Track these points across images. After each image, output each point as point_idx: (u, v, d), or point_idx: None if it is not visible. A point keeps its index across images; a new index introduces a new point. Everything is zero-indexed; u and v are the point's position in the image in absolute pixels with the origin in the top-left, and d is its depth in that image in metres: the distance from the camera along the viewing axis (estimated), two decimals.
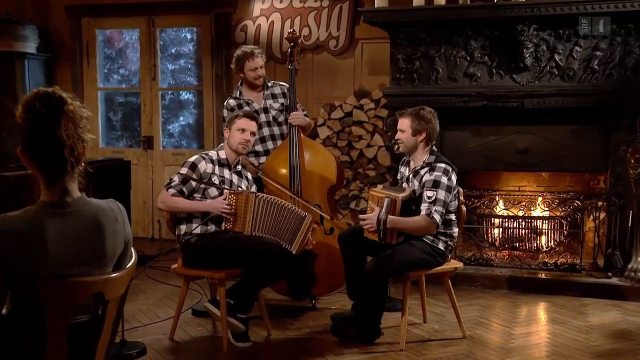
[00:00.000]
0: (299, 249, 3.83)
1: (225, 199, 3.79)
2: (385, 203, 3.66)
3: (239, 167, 4.02)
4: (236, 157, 3.98)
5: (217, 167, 3.90)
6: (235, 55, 4.65)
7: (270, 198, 3.89)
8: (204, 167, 3.84)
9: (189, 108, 7.03)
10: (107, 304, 1.98)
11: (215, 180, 3.87)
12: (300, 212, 3.89)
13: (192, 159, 3.88)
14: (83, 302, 1.94)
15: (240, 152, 3.98)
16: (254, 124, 3.98)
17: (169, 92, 7.05)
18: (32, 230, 1.85)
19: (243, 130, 3.91)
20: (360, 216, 3.85)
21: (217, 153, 3.95)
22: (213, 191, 3.85)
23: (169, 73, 6.99)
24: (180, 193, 3.81)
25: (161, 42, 6.88)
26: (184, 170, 3.82)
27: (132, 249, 2.11)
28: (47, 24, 6.96)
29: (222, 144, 4.02)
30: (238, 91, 4.70)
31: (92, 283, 1.91)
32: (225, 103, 4.72)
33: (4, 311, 1.90)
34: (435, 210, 3.68)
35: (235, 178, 3.98)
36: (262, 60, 4.62)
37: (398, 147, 4.02)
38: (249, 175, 4.13)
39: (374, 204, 3.78)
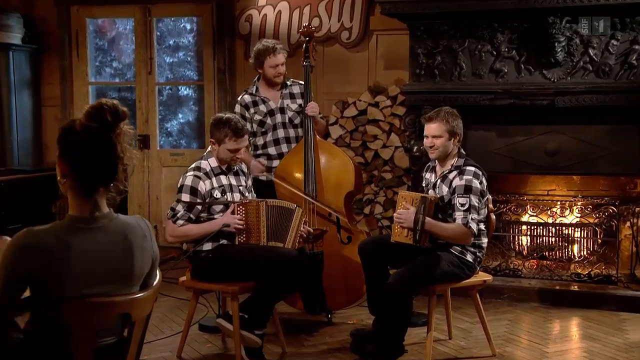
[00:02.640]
0: (293, 244, 3.93)
1: (234, 212, 3.88)
2: (421, 202, 3.79)
3: (234, 167, 4.08)
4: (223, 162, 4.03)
5: (214, 179, 3.97)
6: (255, 49, 4.72)
7: (279, 202, 3.99)
8: (204, 187, 3.90)
9: (188, 104, 7.11)
10: (133, 325, 2.06)
11: (217, 193, 3.94)
12: (289, 205, 3.97)
13: (189, 182, 3.88)
14: (110, 325, 2.02)
15: (231, 165, 4.04)
16: (244, 139, 3.98)
17: (167, 87, 7.12)
18: (60, 246, 1.95)
19: (234, 150, 3.95)
20: (396, 214, 3.91)
21: (209, 162, 3.99)
22: (219, 205, 3.94)
23: (167, 66, 7.07)
24: (189, 221, 3.89)
25: (158, 33, 6.94)
26: (185, 198, 3.87)
27: (157, 268, 2.20)
28: (32, 12, 7.01)
29: (209, 150, 4.05)
30: (254, 87, 4.76)
31: (118, 303, 2.00)
32: (239, 99, 4.79)
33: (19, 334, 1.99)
34: (471, 219, 3.78)
35: (233, 179, 4.06)
36: (284, 57, 4.68)
37: (421, 152, 4.09)
38: (244, 167, 4.18)
39: (408, 203, 3.86)
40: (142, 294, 2.06)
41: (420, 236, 3.78)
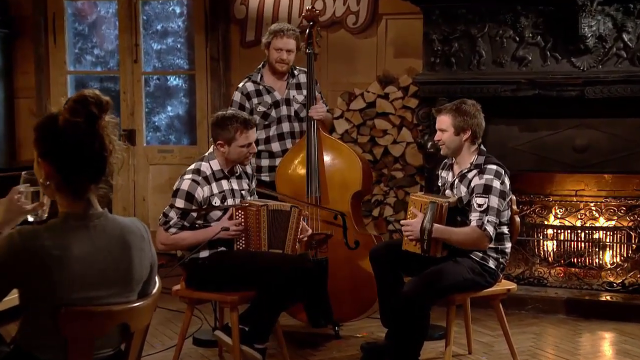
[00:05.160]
0: (292, 249, 3.99)
1: (232, 218, 3.91)
2: (429, 208, 3.80)
3: (237, 171, 4.11)
4: (233, 163, 4.07)
5: (214, 185, 3.99)
6: (269, 28, 4.77)
7: (279, 206, 4.04)
8: (201, 193, 3.92)
9: (178, 96, 7.13)
10: (131, 336, 2.09)
11: (217, 200, 3.97)
12: (285, 207, 4.03)
13: (185, 186, 3.90)
14: (108, 334, 2.05)
15: (244, 164, 4.10)
16: (254, 130, 4.05)
17: (154, 77, 7.15)
18: (57, 247, 1.99)
19: (247, 145, 3.99)
20: (402, 222, 3.97)
21: (210, 165, 4.01)
22: (217, 212, 3.97)
23: (154, 54, 7.09)
24: (182, 228, 3.92)
25: (144, 17, 6.97)
26: (179, 204, 3.89)
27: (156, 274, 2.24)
28: None
29: (211, 151, 4.07)
30: (259, 74, 4.79)
31: (117, 313, 2.04)
32: (240, 85, 4.80)
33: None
34: (487, 221, 3.79)
35: (235, 184, 4.09)
36: (294, 44, 4.70)
37: (436, 149, 4.14)
38: (248, 169, 4.22)
39: (417, 209, 3.89)
40: (141, 303, 2.10)
41: (429, 246, 3.80)
